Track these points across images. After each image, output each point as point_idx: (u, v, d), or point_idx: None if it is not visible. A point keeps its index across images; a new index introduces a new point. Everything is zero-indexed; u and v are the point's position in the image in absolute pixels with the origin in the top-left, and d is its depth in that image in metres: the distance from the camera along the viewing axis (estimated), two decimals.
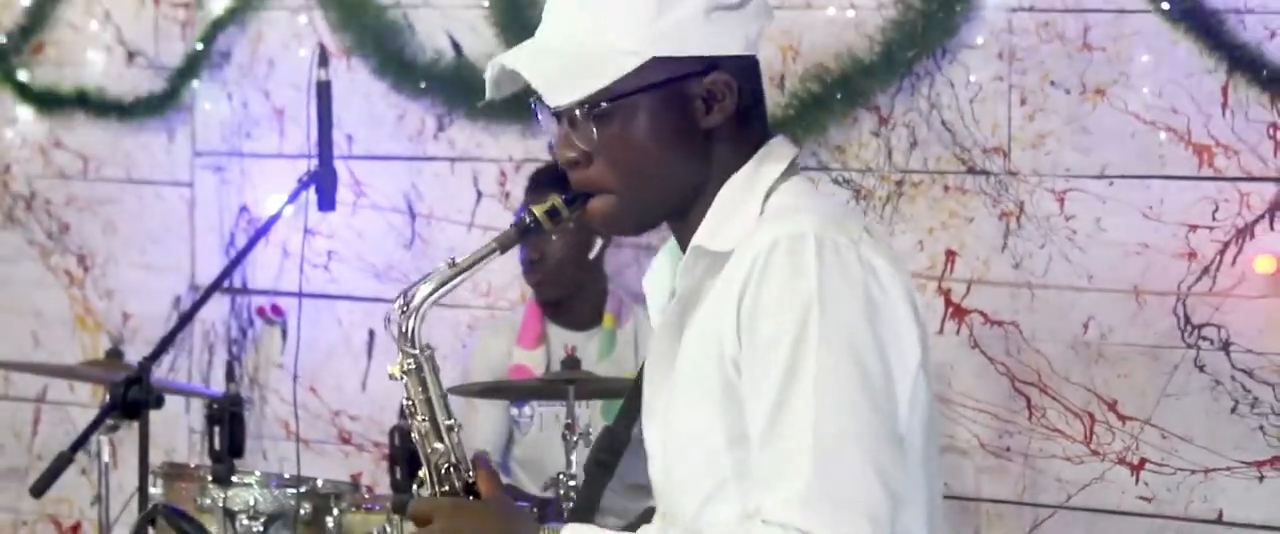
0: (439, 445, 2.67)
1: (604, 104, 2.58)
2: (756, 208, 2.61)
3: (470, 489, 2.67)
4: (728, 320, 2.53)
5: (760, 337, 2.49)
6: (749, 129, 2.66)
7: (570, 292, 5.27)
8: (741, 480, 2.55)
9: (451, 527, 2.60)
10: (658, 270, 2.80)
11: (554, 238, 2.63)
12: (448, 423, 2.68)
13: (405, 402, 2.70)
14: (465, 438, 5.24)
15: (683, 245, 2.69)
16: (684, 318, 2.64)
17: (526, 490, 5.20)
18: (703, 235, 2.61)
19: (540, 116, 2.69)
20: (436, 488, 2.68)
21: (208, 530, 2.79)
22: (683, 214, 2.67)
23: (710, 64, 2.60)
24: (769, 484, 2.47)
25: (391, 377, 2.68)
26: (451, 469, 2.67)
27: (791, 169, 2.67)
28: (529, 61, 2.61)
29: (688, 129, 2.61)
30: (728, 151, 2.64)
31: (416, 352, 2.66)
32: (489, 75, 2.66)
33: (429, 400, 2.68)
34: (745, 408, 2.53)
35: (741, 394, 2.53)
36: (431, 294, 2.64)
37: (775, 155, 2.66)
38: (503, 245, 2.64)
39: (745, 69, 2.64)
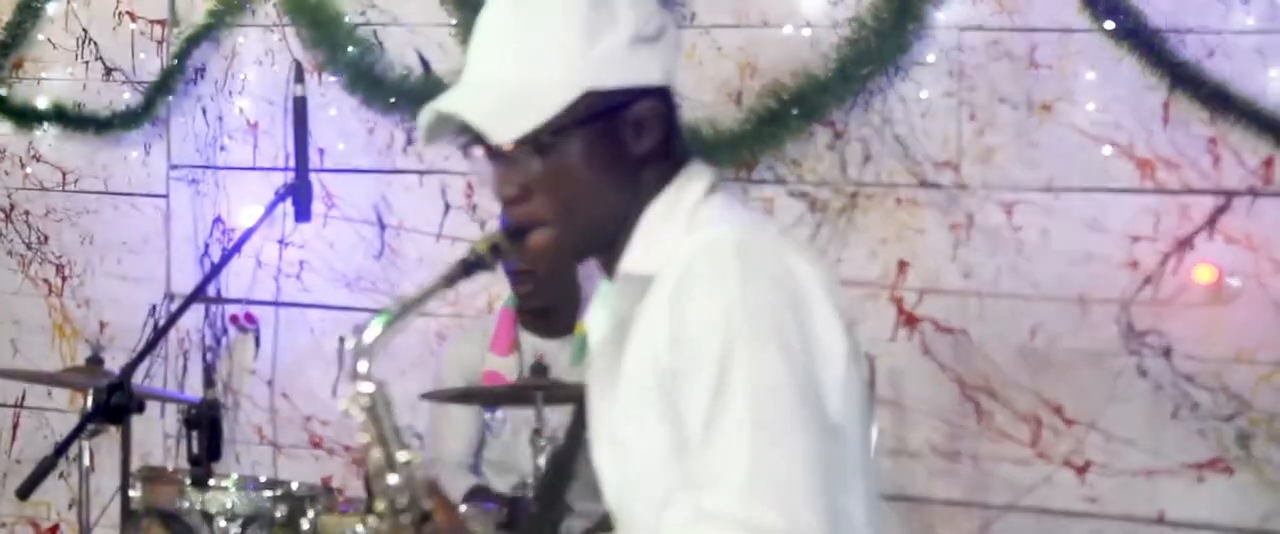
0: (393, 478, 2.68)
1: (542, 138, 2.61)
2: (682, 227, 2.65)
3: (425, 518, 2.69)
4: (660, 332, 2.56)
5: (689, 343, 2.52)
6: (670, 154, 2.69)
7: (552, 303, 5.34)
8: (687, 488, 2.56)
9: None
10: (596, 309, 2.82)
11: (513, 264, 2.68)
12: (402, 458, 2.68)
13: (360, 436, 2.69)
14: (438, 441, 5.36)
15: (611, 275, 2.73)
16: (620, 343, 2.66)
17: (496, 491, 5.27)
18: (629, 261, 2.65)
19: (470, 160, 2.70)
20: (393, 519, 2.68)
21: (196, 529, 2.85)
22: (612, 245, 2.70)
23: (637, 93, 2.65)
24: (708, 483, 2.49)
25: (345, 414, 2.68)
26: (406, 502, 2.68)
27: (712, 189, 2.70)
28: (466, 103, 2.63)
29: (620, 157, 2.65)
30: (653, 177, 2.68)
31: (371, 390, 2.67)
32: (421, 122, 2.67)
33: (382, 436, 2.68)
34: (682, 415, 2.55)
35: (679, 403, 2.56)
36: (383, 333, 2.65)
37: (695, 178, 2.70)
38: (449, 280, 2.67)
39: (666, 98, 2.69)
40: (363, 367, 2.67)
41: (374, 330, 2.66)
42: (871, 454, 2.68)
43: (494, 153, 2.66)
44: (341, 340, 5.84)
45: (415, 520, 2.69)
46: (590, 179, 2.65)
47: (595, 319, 2.83)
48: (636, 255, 2.66)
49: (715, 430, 2.50)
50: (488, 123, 2.61)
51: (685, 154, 2.75)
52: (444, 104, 2.65)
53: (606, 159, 2.65)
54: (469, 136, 2.67)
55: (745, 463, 2.47)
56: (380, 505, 2.69)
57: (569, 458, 2.89)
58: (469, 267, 2.68)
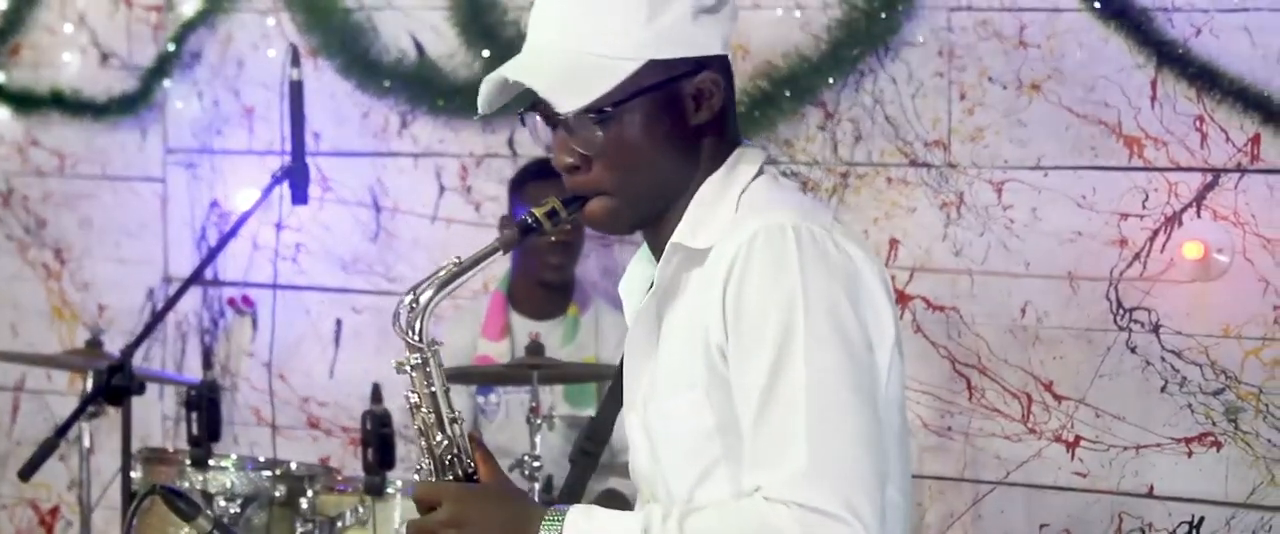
0: (442, 437, 2.72)
1: (607, 108, 2.64)
2: (732, 207, 2.68)
3: (471, 478, 2.72)
4: (713, 311, 2.59)
5: (747, 324, 2.56)
6: (727, 128, 2.74)
7: (573, 275, 5.38)
8: (732, 463, 2.62)
9: (458, 511, 2.64)
10: (632, 276, 2.87)
11: (551, 240, 2.67)
12: (451, 415, 2.72)
13: (409, 394, 2.74)
14: None
15: (655, 246, 2.77)
16: (661, 311, 2.71)
17: None
18: (682, 234, 2.68)
19: (530, 126, 2.75)
20: (440, 477, 2.72)
21: (203, 507, 2.89)
22: (668, 213, 2.73)
23: (699, 64, 2.68)
24: (766, 463, 2.53)
25: (398, 370, 2.73)
26: (454, 459, 2.72)
27: (762, 172, 2.73)
28: (531, 72, 2.67)
29: (680, 128, 2.68)
30: (711, 149, 2.72)
31: (422, 346, 2.71)
32: (484, 90, 2.71)
33: (433, 394, 2.72)
34: (733, 393, 2.60)
35: (728, 381, 2.60)
36: (438, 292, 2.69)
37: (747, 159, 2.73)
38: (506, 245, 2.71)
39: (725, 67, 2.73)
40: (417, 326, 2.70)
41: (430, 291, 2.70)
42: (907, 439, 2.73)
43: (554, 121, 2.71)
44: (338, 323, 5.89)
45: (463, 477, 2.72)
46: (650, 149, 2.68)
47: (631, 285, 2.87)
48: (689, 229, 2.69)
49: (771, 412, 2.54)
50: (553, 92, 2.66)
51: (738, 131, 2.78)
52: (510, 71, 2.69)
53: (666, 129, 2.69)
54: (526, 104, 2.72)
55: (803, 447, 2.51)
56: (430, 463, 2.73)
57: (606, 425, 2.92)
58: (526, 231, 2.72)
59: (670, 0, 2.67)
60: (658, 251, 2.77)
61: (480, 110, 2.75)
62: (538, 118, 2.73)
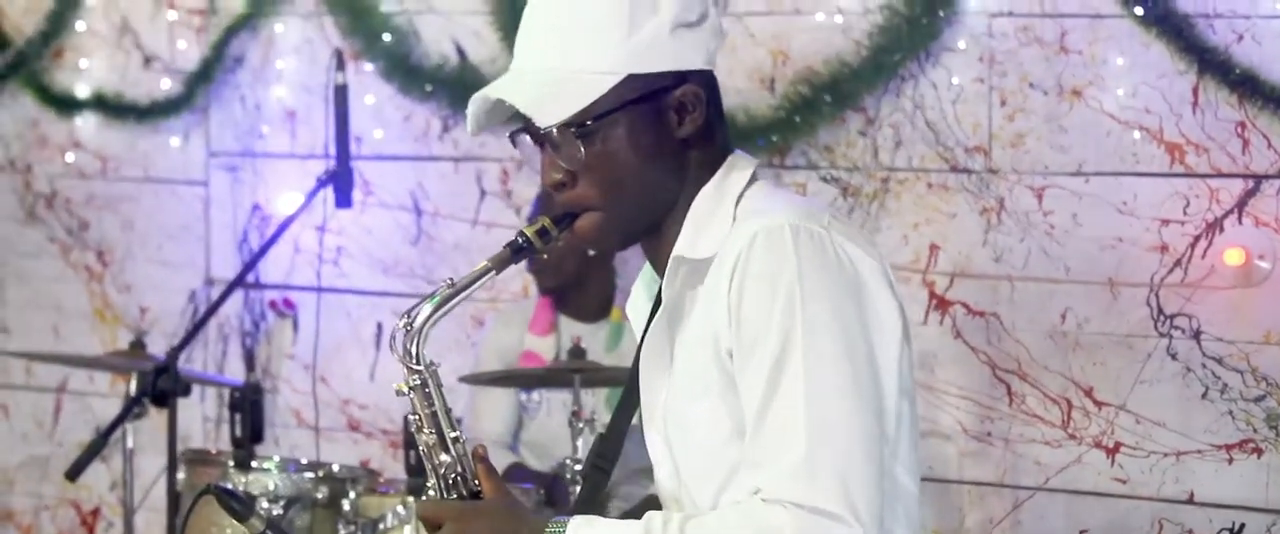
0: (445, 457, 2.76)
1: (588, 123, 2.69)
2: (728, 215, 2.71)
3: (476, 496, 2.76)
4: (719, 316, 2.63)
5: (748, 325, 2.60)
6: (714, 139, 2.78)
7: (569, 282, 5.36)
8: (745, 465, 2.64)
9: (461, 529, 2.68)
10: (637, 296, 2.91)
11: (544, 257, 2.71)
12: (453, 435, 2.76)
13: (411, 416, 2.78)
14: (476, 422, 5.44)
15: (656, 263, 2.81)
16: (673, 327, 2.74)
17: (534, 469, 5.34)
18: (682, 246, 2.71)
19: (518, 148, 2.79)
20: (445, 497, 2.76)
21: (257, 508, 2.92)
22: (657, 229, 2.77)
23: (679, 77, 2.73)
24: (765, 463, 2.56)
25: (398, 393, 2.76)
26: (458, 478, 2.75)
27: (754, 178, 2.77)
28: (511, 89, 2.71)
29: (664, 141, 2.73)
30: (698, 162, 2.76)
31: (421, 369, 2.75)
32: (471, 111, 2.76)
33: (434, 415, 2.76)
34: (739, 394, 2.63)
35: (738, 380, 2.63)
36: (432, 314, 2.72)
37: (739, 167, 2.77)
38: (498, 265, 2.73)
39: (708, 82, 2.77)
40: (413, 349, 2.74)
41: (424, 313, 2.72)
42: (917, 427, 2.75)
43: (541, 139, 2.74)
44: (379, 326, 5.89)
45: (466, 496, 2.76)
46: (635, 162, 2.72)
47: (637, 303, 2.90)
48: (688, 241, 2.71)
49: (772, 411, 2.57)
50: (532, 107, 2.69)
51: (727, 141, 2.81)
52: (492, 89, 2.73)
53: (651, 142, 2.72)
54: (517, 124, 2.75)
55: (801, 446, 2.54)
56: (434, 483, 2.77)
57: (616, 440, 2.95)
58: (517, 251, 2.74)
59: (648, 16, 2.71)
60: (659, 267, 2.80)
61: (470, 130, 2.80)
62: (526, 138, 2.77)
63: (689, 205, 2.75)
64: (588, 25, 2.71)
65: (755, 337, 2.59)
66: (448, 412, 2.77)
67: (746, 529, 2.56)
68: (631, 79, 2.70)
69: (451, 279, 2.74)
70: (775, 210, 2.67)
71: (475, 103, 2.76)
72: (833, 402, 2.56)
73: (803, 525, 2.51)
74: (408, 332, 2.73)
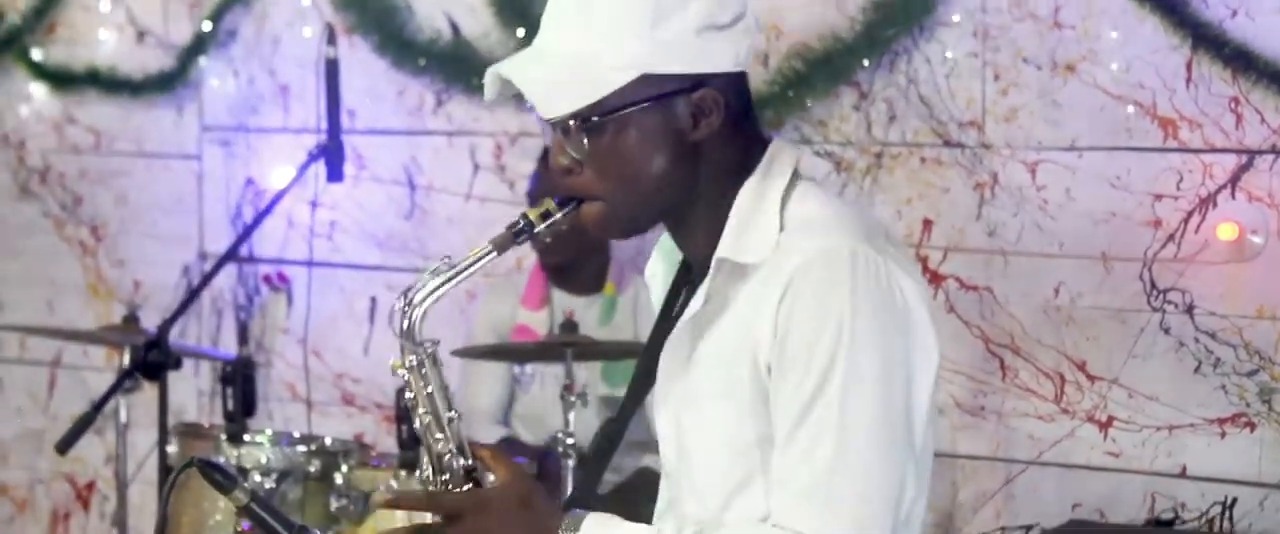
0: (440, 436, 2.73)
1: (594, 118, 2.64)
2: (774, 217, 2.66)
3: (470, 473, 2.73)
4: (763, 327, 2.60)
5: (793, 345, 2.57)
6: (739, 138, 2.71)
7: (571, 258, 5.38)
8: (768, 476, 2.64)
9: (479, 525, 2.65)
10: (655, 263, 2.89)
11: (547, 241, 2.71)
12: (449, 415, 2.73)
13: (407, 395, 2.74)
14: (468, 395, 5.44)
15: (680, 243, 2.78)
16: (708, 322, 2.70)
17: (526, 442, 5.36)
18: (726, 248, 2.66)
19: (536, 116, 2.73)
20: (438, 476, 2.74)
21: (240, 480, 2.90)
22: (678, 215, 2.73)
23: (698, 81, 2.65)
24: (785, 486, 2.57)
25: (394, 372, 2.73)
26: (452, 457, 2.73)
27: (796, 174, 2.72)
28: (523, 72, 2.67)
29: (675, 141, 2.66)
30: (717, 160, 2.69)
31: (419, 348, 2.71)
32: (488, 79, 2.71)
33: (432, 395, 2.73)
34: (772, 408, 2.61)
35: (772, 397, 2.62)
36: (432, 294, 2.69)
37: (781, 160, 2.72)
38: (499, 246, 2.69)
39: (734, 84, 2.70)
40: (412, 329, 2.70)
41: (423, 292, 2.70)
42: (930, 456, 2.74)
43: (551, 122, 2.69)
44: (372, 300, 5.88)
45: (461, 472, 2.74)
46: (641, 160, 2.67)
47: (655, 269, 2.89)
48: (732, 242, 2.67)
49: (801, 434, 2.57)
50: (540, 97, 2.66)
51: (759, 133, 2.75)
52: (504, 69, 2.69)
53: (660, 141, 2.67)
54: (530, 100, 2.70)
55: (823, 474, 2.54)
56: (428, 461, 2.75)
57: (625, 421, 2.95)
58: (519, 233, 2.71)
59: (674, 14, 2.64)
60: (680, 242, 2.77)
61: (485, 97, 2.75)
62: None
63: (715, 197, 2.70)
64: (610, 14, 2.64)
65: (798, 358, 2.57)
66: (445, 391, 2.74)
67: None
68: (647, 78, 2.64)
69: (448, 257, 2.72)
70: (834, 230, 2.63)
71: (490, 75, 2.71)
72: (862, 437, 2.55)
73: None
74: (407, 311, 2.70)
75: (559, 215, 2.71)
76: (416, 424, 2.75)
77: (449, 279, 2.70)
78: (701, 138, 2.68)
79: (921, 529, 2.77)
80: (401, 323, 2.70)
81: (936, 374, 2.67)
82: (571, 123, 2.65)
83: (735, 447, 2.67)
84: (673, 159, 2.68)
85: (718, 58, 2.67)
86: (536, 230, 2.71)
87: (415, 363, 2.72)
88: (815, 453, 2.54)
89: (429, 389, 2.73)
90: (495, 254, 2.70)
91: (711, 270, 2.68)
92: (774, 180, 2.70)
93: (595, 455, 3.04)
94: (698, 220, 2.72)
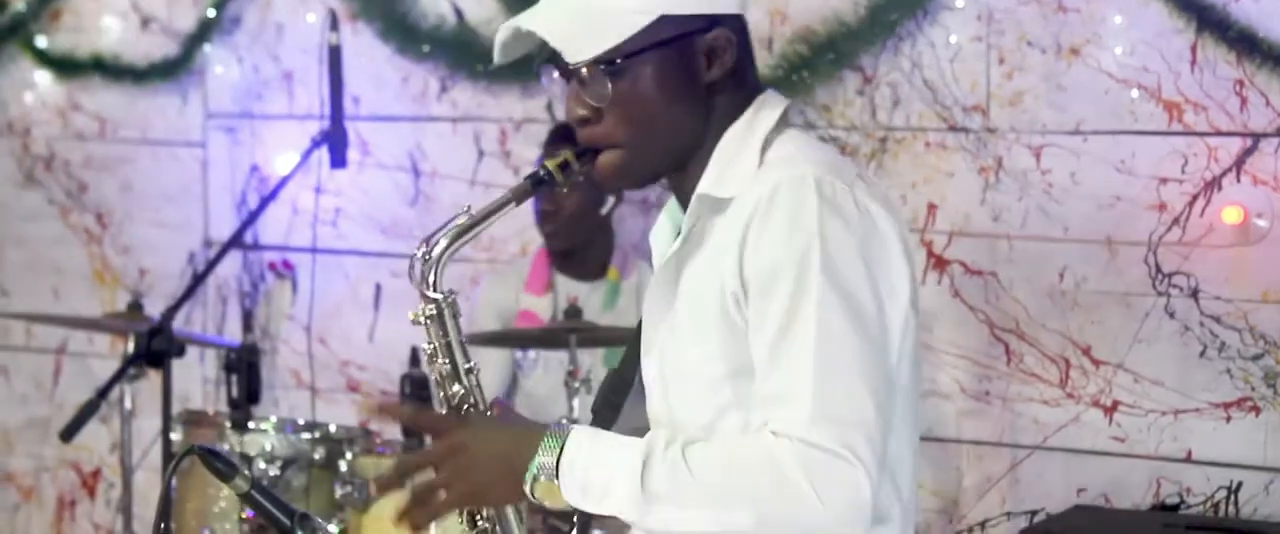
0: (457, 387, 2.77)
1: (618, 61, 2.70)
2: (755, 156, 2.72)
3: None
4: (730, 259, 2.64)
5: (763, 271, 2.61)
6: (743, 83, 2.78)
7: (580, 244, 5.38)
8: (742, 409, 2.68)
9: (455, 437, 2.68)
10: (661, 226, 2.92)
11: (564, 191, 2.69)
12: (466, 365, 2.77)
13: (425, 345, 2.78)
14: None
15: (681, 198, 2.81)
16: (684, 260, 2.75)
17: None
18: (706, 184, 2.72)
19: (544, 78, 2.80)
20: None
21: (240, 467, 2.91)
22: (682, 167, 2.78)
23: (712, 21, 2.73)
24: (774, 403, 2.59)
25: (413, 321, 2.77)
26: (469, 409, 2.77)
27: (784, 121, 2.78)
28: (544, 22, 2.72)
29: (692, 84, 2.73)
30: (726, 104, 2.76)
31: (438, 297, 2.76)
32: (499, 39, 2.76)
33: (449, 344, 2.77)
34: (748, 339, 2.64)
35: (742, 329, 2.65)
36: (452, 244, 2.74)
37: (769, 107, 2.78)
38: (518, 197, 2.74)
39: (739, 27, 2.77)
40: (432, 277, 2.75)
41: (443, 243, 2.74)
42: (918, 398, 2.78)
43: (568, 73, 2.75)
44: (377, 287, 5.87)
45: None
46: (661, 103, 2.72)
47: (660, 233, 2.91)
48: (713, 179, 2.73)
49: (781, 357, 2.59)
50: (564, 42, 2.71)
51: (757, 83, 2.82)
52: (524, 20, 2.73)
53: (678, 84, 2.73)
54: (544, 57, 2.76)
55: (809, 390, 2.56)
56: (443, 411, 2.77)
57: (628, 376, 2.96)
58: (538, 183, 2.76)
59: None
60: (683, 201, 2.80)
61: (495, 60, 2.80)
62: (554, 71, 2.78)
63: (715, 145, 2.76)
64: None
65: (769, 283, 2.61)
66: (462, 341, 2.78)
67: (750, 457, 2.59)
68: (665, 19, 2.70)
69: (469, 207, 2.75)
70: (802, 162, 2.68)
71: (504, 31, 2.76)
72: (842, 349, 2.58)
73: (804, 458, 2.54)
74: (427, 260, 2.74)
75: (578, 165, 2.75)
76: (432, 375, 2.78)
77: (468, 229, 2.74)
78: (715, 79, 2.75)
79: (914, 478, 2.78)
80: (421, 272, 2.75)
81: (909, 310, 2.68)
82: (592, 69, 2.71)
83: (707, 382, 2.70)
84: (688, 101, 2.74)
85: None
86: (556, 180, 2.75)
87: (434, 313, 2.77)
88: (798, 367, 2.57)
89: (447, 339, 2.77)
90: (514, 204, 2.74)
91: (691, 208, 2.73)
92: (760, 122, 2.76)
93: (602, 410, 3.06)
94: (698, 169, 2.76)
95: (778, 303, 2.59)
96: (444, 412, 2.79)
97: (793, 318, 2.58)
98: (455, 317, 2.78)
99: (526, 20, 2.73)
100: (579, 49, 2.71)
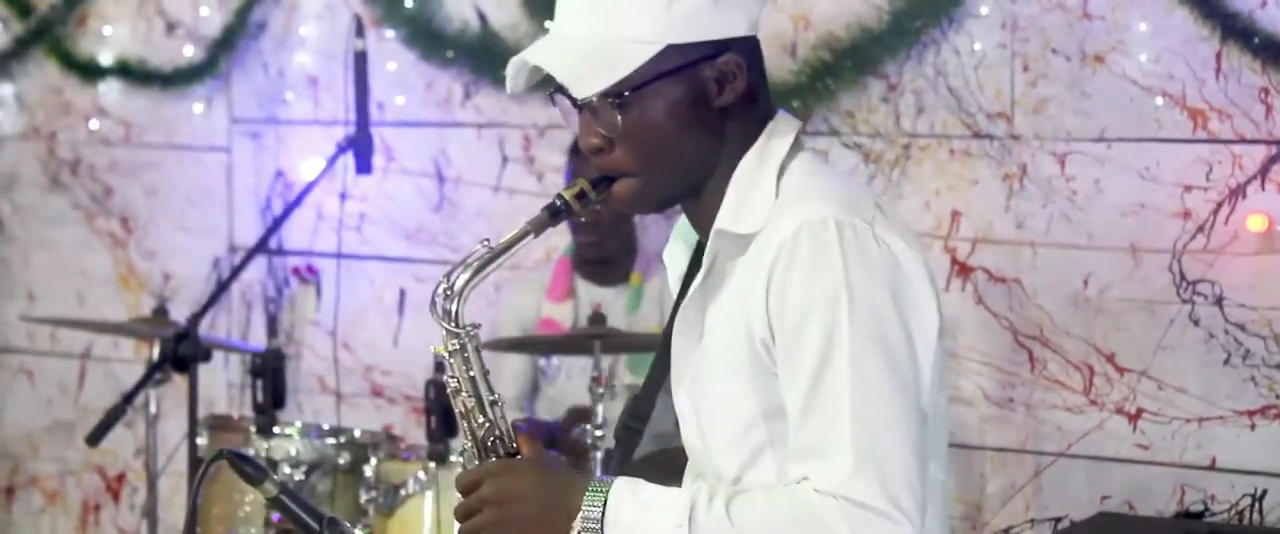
0: (482, 419, 2.77)
1: (626, 93, 2.68)
2: (771, 187, 2.72)
3: (513, 457, 2.77)
4: (756, 303, 2.65)
5: (791, 321, 2.61)
6: (756, 106, 2.77)
7: (615, 252, 5.41)
8: (778, 447, 2.69)
9: (500, 485, 2.70)
10: (674, 248, 2.93)
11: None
12: (491, 398, 2.78)
13: (449, 379, 2.78)
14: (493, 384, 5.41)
15: (695, 222, 2.82)
16: (709, 297, 2.75)
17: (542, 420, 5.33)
18: (725, 218, 2.72)
19: (558, 106, 2.78)
20: (482, 460, 2.78)
21: (270, 472, 2.93)
22: (696, 192, 2.78)
23: (720, 47, 2.71)
24: (811, 456, 2.59)
25: (437, 356, 2.81)
26: (496, 441, 2.77)
27: (797, 144, 2.78)
28: (549, 56, 2.72)
29: (703, 110, 2.72)
30: (739, 128, 2.75)
31: (461, 332, 2.75)
32: (510, 70, 2.76)
33: (474, 378, 2.77)
34: (780, 385, 2.65)
35: (773, 371, 2.65)
36: (473, 277, 2.73)
37: (780, 131, 2.77)
38: (537, 228, 2.74)
39: (750, 49, 2.76)
40: (454, 312, 2.75)
41: (464, 277, 2.74)
42: (946, 422, 2.78)
43: (579, 104, 2.73)
44: (402, 292, 5.89)
45: (504, 458, 2.78)
46: (673, 131, 2.72)
47: (674, 251, 2.92)
48: (730, 212, 2.72)
49: (816, 409, 2.59)
50: (571, 78, 2.70)
51: (769, 104, 2.81)
52: (530, 56, 2.74)
53: (689, 111, 2.72)
54: (554, 86, 2.75)
55: (848, 443, 2.56)
56: (472, 446, 2.78)
57: (649, 401, 2.97)
58: (556, 213, 2.76)
59: None
60: (696, 224, 2.81)
61: (508, 90, 2.79)
62: (565, 99, 2.76)
63: (730, 170, 2.75)
64: None
65: (799, 334, 2.60)
66: (486, 375, 2.79)
67: (795, 516, 2.59)
68: (671, 49, 2.69)
69: (488, 241, 2.75)
70: (819, 199, 2.66)
71: (513, 64, 2.76)
72: (877, 398, 2.58)
73: (850, 516, 2.55)
74: (448, 295, 2.74)
75: (593, 195, 2.75)
76: (458, 408, 2.78)
77: (488, 262, 2.74)
78: (726, 104, 2.74)
79: (946, 507, 2.80)
80: (443, 308, 2.75)
81: (938, 341, 2.68)
82: (600, 102, 2.70)
83: (742, 421, 2.71)
84: (700, 128, 2.73)
85: (734, 22, 2.74)
86: (572, 211, 2.75)
87: (457, 347, 2.76)
88: (834, 421, 2.57)
89: (471, 373, 2.77)
90: (533, 235, 2.75)
91: (711, 242, 2.73)
92: (773, 149, 2.76)
93: (624, 435, 3.07)
94: (713, 195, 2.76)
95: (809, 353, 2.59)
96: (469, 444, 2.79)
97: (824, 367, 2.59)
98: (478, 349, 2.78)
99: (533, 56, 2.74)
100: (585, 84, 2.70)
